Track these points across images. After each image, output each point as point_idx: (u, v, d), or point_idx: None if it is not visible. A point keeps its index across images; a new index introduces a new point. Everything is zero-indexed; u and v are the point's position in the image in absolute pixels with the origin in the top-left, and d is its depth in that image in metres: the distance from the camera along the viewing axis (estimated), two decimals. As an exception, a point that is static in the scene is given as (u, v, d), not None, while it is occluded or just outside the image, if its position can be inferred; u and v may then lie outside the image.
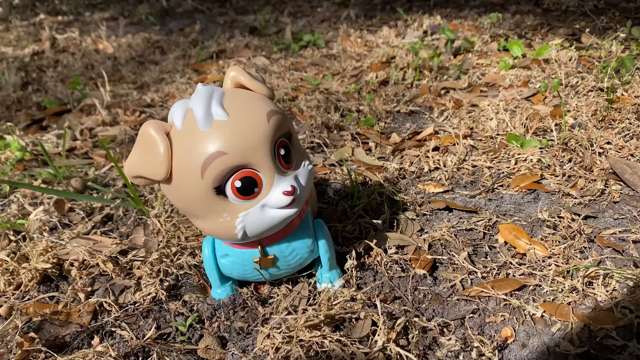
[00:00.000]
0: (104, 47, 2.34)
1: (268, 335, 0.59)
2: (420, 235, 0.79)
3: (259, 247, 0.61)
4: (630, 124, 1.06)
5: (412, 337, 0.57)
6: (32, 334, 0.61)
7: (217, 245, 0.64)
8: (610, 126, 1.08)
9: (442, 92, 1.41)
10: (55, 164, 1.05)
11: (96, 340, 0.61)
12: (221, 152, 0.51)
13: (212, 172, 0.51)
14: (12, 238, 0.82)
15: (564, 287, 0.63)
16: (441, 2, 2.95)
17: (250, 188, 0.53)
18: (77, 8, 3.75)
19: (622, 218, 0.81)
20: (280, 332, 0.58)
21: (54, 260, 0.74)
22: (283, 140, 0.56)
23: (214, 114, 0.51)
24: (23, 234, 0.84)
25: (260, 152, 0.52)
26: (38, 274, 0.72)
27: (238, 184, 0.52)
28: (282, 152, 0.55)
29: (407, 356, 0.54)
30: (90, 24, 3.09)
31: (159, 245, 0.77)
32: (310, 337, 0.56)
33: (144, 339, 0.60)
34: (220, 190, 0.53)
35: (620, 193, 0.87)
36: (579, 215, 0.80)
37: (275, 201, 0.54)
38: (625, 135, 1.03)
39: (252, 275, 0.64)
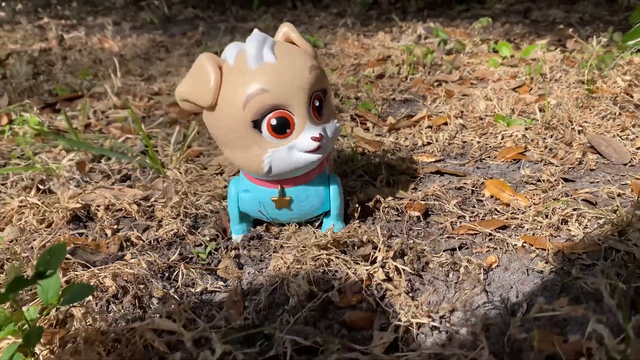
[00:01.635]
0: (110, 45, 2.43)
1: (280, 258, 0.66)
2: (414, 192, 0.87)
3: (280, 186, 0.68)
4: (607, 106, 1.15)
5: (408, 259, 0.64)
6: (68, 256, 0.68)
7: (241, 181, 0.71)
8: (589, 110, 1.17)
9: (435, 84, 1.50)
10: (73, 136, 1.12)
11: (128, 256, 0.68)
12: (264, 90, 0.58)
13: (253, 105, 0.59)
14: (41, 187, 0.89)
15: (542, 224, 0.72)
16: (434, 14, 3.08)
17: (283, 128, 0.61)
18: (79, 13, 3.85)
19: (597, 182, 0.89)
20: (292, 255, 0.65)
21: (82, 203, 0.81)
22: (319, 94, 0.64)
23: (264, 56, 0.59)
24: (48, 187, 0.91)
25: (298, 97, 0.60)
26: (68, 214, 0.79)
27: (273, 122, 0.60)
28: (317, 103, 0.63)
29: (403, 269, 0.62)
30: (94, 27, 3.17)
31: (178, 192, 0.84)
32: (318, 255, 0.64)
33: (169, 260, 0.67)
34: (257, 124, 0.60)
35: (597, 162, 0.96)
36: (554, 175, 0.88)
37: (302, 144, 0.62)
38: (602, 117, 1.13)
39: (266, 213, 0.71)
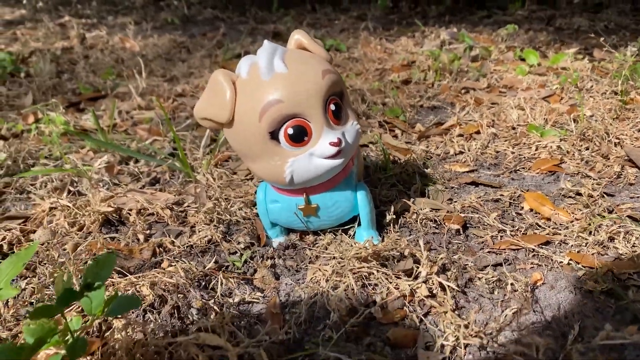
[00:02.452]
0: (131, 45, 2.43)
1: (318, 270, 0.64)
2: (450, 203, 0.85)
3: (305, 195, 0.67)
4: (644, 119, 1.12)
5: (451, 274, 0.63)
6: (102, 261, 0.67)
7: (268, 191, 0.70)
8: (625, 122, 1.14)
9: (463, 91, 1.48)
10: (101, 137, 1.12)
11: (165, 263, 0.67)
12: (278, 100, 0.58)
13: (268, 117, 0.58)
14: (71, 189, 0.88)
15: (588, 241, 0.69)
16: (456, 19, 3.05)
17: (300, 136, 0.60)
18: (99, 13, 3.87)
19: (638, 197, 0.87)
20: (330, 267, 0.64)
21: (114, 207, 0.80)
22: (334, 98, 0.62)
23: (275, 66, 0.58)
24: (78, 189, 0.91)
25: (313, 104, 0.59)
26: (100, 217, 0.78)
27: (290, 131, 0.59)
28: (333, 108, 0.62)
29: (448, 286, 0.60)
30: (114, 26, 3.18)
31: (211, 197, 0.83)
32: (359, 268, 0.62)
33: (205, 268, 0.66)
34: (274, 135, 0.59)
35: (636, 176, 0.93)
36: (597, 190, 0.86)
37: (322, 150, 0.61)
38: (639, 130, 1.10)
39: (296, 222, 0.70)
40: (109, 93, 1.62)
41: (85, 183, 0.92)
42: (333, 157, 0.61)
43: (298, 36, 0.65)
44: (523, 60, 1.77)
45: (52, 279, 0.65)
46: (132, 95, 1.52)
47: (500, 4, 3.37)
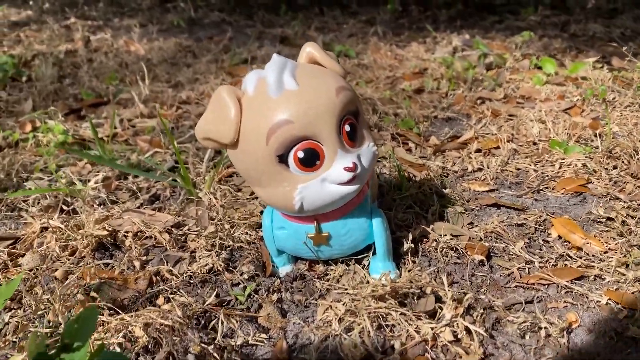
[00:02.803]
0: (136, 48, 2.38)
1: (329, 307, 0.58)
2: (471, 228, 0.79)
3: (315, 222, 0.61)
4: (674, 136, 1.06)
5: (477, 316, 0.56)
6: (92, 294, 0.62)
7: (275, 217, 0.64)
8: (653, 138, 1.08)
9: (478, 101, 1.42)
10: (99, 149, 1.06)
11: (161, 299, 0.61)
12: (288, 121, 0.52)
13: (277, 139, 0.52)
14: (65, 208, 0.83)
15: (627, 277, 0.63)
16: (467, 24, 2.99)
17: (312, 160, 0.54)
18: (106, 14, 3.83)
19: (674, 223, 0.80)
20: (342, 304, 0.58)
21: (109, 230, 0.74)
22: (349, 118, 0.57)
23: (285, 83, 0.53)
24: (72, 207, 0.85)
25: (326, 125, 0.53)
26: (93, 241, 0.72)
27: (300, 154, 0.53)
28: (348, 129, 0.56)
29: (476, 331, 0.53)
30: (120, 29, 3.14)
31: (213, 220, 0.77)
32: (375, 308, 0.56)
33: (205, 304, 0.60)
34: (282, 158, 0.54)
35: (670, 199, 0.86)
36: (632, 217, 0.79)
37: (335, 176, 0.55)
38: (669, 148, 1.03)
39: (304, 251, 0.64)
40: (111, 99, 1.57)
41: (81, 202, 0.86)
42: (347, 183, 0.55)
43: (310, 49, 0.59)
44: (539, 68, 1.70)
45: (38, 313, 0.60)
46: (134, 102, 1.46)
47: (512, 9, 3.31)
